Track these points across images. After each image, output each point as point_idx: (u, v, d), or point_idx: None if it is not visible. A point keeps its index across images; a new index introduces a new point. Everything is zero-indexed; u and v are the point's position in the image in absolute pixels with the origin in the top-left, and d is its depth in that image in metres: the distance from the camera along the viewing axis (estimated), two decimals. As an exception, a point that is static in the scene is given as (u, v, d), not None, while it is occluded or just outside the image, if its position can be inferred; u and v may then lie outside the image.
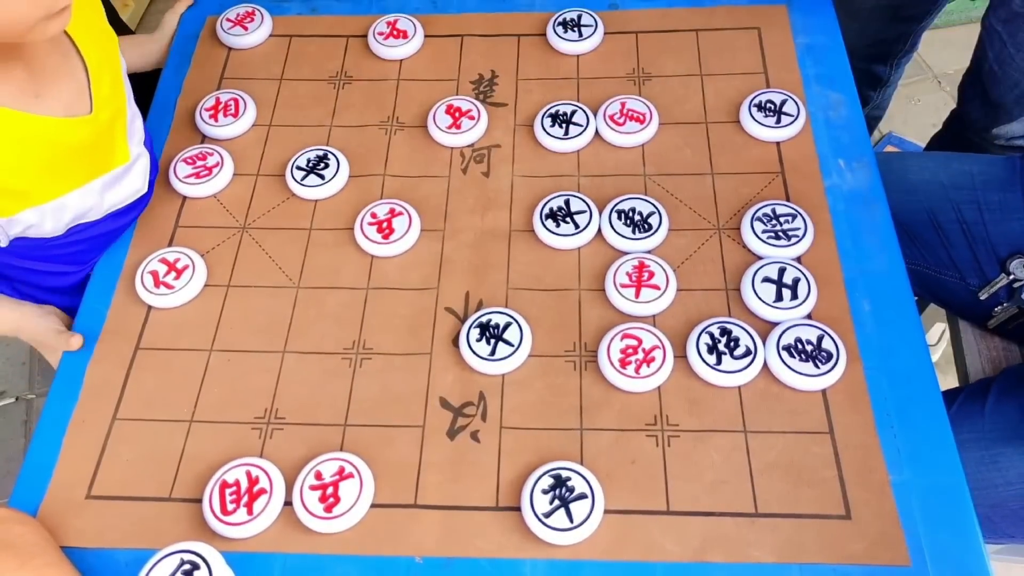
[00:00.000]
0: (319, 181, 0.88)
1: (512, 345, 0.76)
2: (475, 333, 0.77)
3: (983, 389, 0.92)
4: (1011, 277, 0.93)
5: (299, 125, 0.96)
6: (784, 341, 0.74)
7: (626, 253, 0.82)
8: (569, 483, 0.68)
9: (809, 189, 0.85)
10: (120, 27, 1.30)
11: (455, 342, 0.78)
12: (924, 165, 1.03)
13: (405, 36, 1.00)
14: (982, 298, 0.97)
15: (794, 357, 0.73)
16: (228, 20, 1.04)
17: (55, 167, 0.74)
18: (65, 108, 0.73)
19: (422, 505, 0.70)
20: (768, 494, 0.68)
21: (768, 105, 0.90)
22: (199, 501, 0.70)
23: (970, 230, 0.96)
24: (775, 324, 0.76)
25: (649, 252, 0.82)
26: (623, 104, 0.91)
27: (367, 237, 0.84)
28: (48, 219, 0.76)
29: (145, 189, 0.86)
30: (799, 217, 0.82)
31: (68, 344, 0.79)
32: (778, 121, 0.89)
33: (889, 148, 1.77)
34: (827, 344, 0.74)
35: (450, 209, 0.87)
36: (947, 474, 0.68)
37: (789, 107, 0.89)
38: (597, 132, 0.91)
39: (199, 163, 0.90)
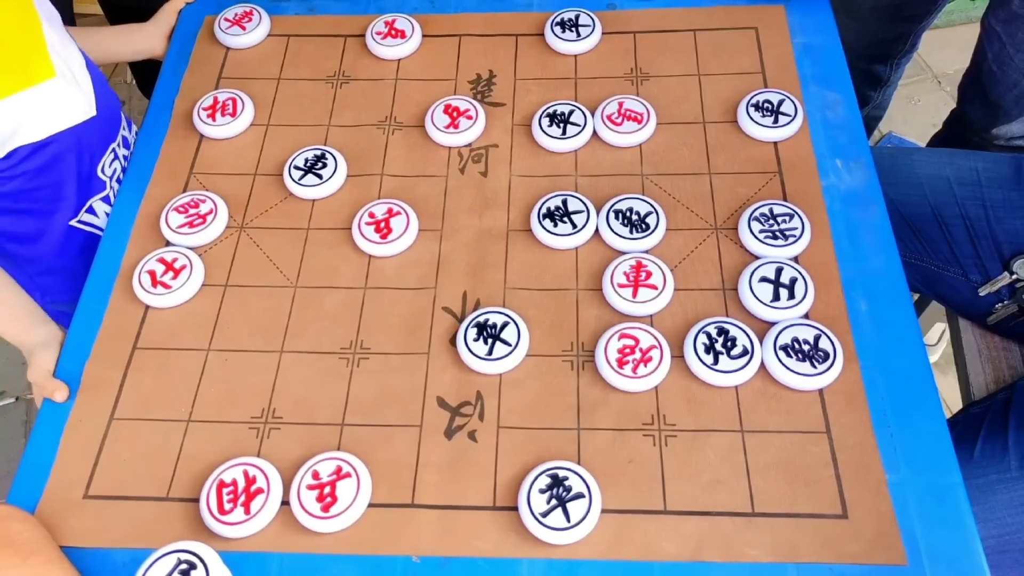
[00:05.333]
0: (317, 181, 0.88)
1: (509, 345, 0.76)
2: (473, 333, 0.77)
3: (1002, 414, 0.87)
4: (1014, 277, 0.93)
5: (297, 125, 0.96)
6: (781, 341, 0.74)
7: (623, 253, 0.82)
8: (566, 483, 0.68)
9: (806, 189, 0.85)
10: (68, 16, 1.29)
11: (453, 342, 0.78)
12: (930, 160, 1.03)
13: (403, 36, 1.00)
14: (982, 295, 0.97)
15: (791, 357, 0.73)
16: (226, 20, 1.04)
17: None
18: None
19: (419, 505, 0.70)
20: (765, 494, 0.68)
21: (766, 105, 0.90)
22: (196, 501, 0.70)
23: (973, 226, 0.96)
24: (772, 324, 0.76)
25: (646, 252, 0.82)
26: (621, 104, 0.91)
27: (365, 237, 0.84)
28: None
29: (92, 112, 0.87)
30: (796, 217, 0.82)
31: (52, 394, 0.76)
32: (775, 121, 0.88)
33: (889, 149, 1.77)
34: (824, 344, 0.73)
35: (448, 209, 0.87)
36: (944, 473, 0.68)
37: (786, 107, 0.89)
38: (595, 132, 0.91)
39: (197, 163, 0.91)
